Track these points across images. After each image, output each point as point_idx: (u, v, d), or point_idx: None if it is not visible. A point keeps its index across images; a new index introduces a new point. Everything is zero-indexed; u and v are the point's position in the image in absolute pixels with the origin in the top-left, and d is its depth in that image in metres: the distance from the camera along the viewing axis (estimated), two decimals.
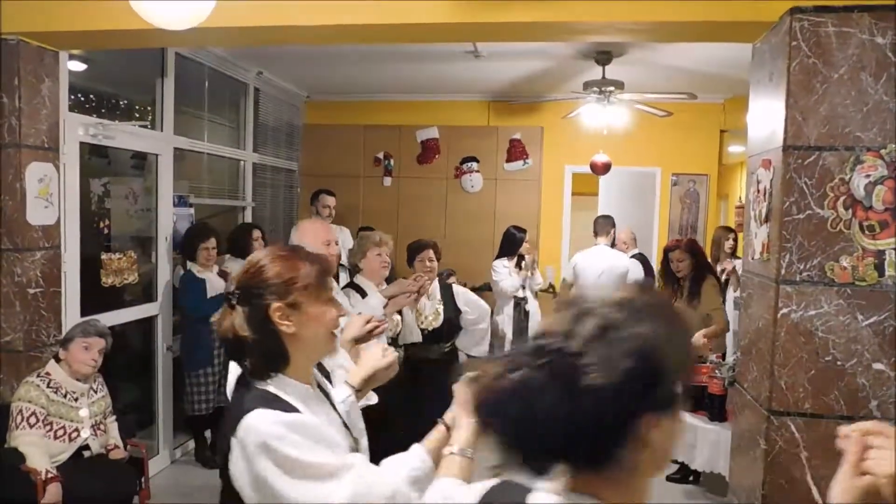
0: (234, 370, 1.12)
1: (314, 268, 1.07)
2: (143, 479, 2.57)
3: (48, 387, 2.32)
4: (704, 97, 4.53)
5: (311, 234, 1.98)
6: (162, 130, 3.43)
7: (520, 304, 4.22)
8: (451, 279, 4.13)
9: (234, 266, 3.79)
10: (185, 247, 3.46)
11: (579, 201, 5.33)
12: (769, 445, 1.77)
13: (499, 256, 4.26)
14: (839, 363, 1.72)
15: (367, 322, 1.47)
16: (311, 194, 4.32)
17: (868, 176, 1.71)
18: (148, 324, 3.42)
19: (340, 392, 1.23)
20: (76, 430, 2.35)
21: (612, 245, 4.16)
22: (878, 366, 1.68)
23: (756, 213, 1.97)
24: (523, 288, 4.19)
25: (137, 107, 3.45)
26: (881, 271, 1.70)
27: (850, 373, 1.71)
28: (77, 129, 2.75)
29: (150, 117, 3.42)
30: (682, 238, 3.82)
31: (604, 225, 4.06)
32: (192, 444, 3.65)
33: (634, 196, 5.09)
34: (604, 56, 3.68)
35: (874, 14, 1.69)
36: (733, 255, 4.01)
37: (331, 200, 4.17)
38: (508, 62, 3.96)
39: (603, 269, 3.90)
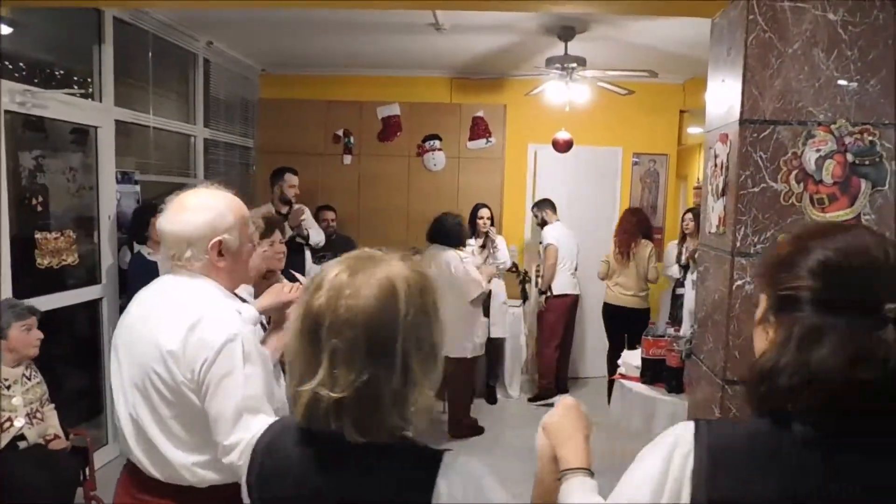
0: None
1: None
2: (87, 470, 2.44)
3: None
4: (665, 77, 4.58)
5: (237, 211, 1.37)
6: (101, 101, 3.20)
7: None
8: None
9: None
10: (134, 226, 3.25)
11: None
12: (723, 413, 1.82)
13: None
14: None
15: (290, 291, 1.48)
16: (270, 173, 4.13)
17: (819, 150, 1.75)
18: (93, 308, 3.24)
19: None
20: (9, 419, 2.21)
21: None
22: None
23: (713, 187, 2.00)
24: None
25: (76, 78, 3.21)
26: None
27: None
28: (2, 97, 2.53)
29: (89, 88, 3.19)
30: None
31: (552, 206, 4.53)
32: None
33: (597, 175, 5.13)
34: (567, 31, 3.65)
35: None
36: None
37: (296, 180, 4.00)
38: (471, 36, 3.88)
39: (574, 241, 4.48)
